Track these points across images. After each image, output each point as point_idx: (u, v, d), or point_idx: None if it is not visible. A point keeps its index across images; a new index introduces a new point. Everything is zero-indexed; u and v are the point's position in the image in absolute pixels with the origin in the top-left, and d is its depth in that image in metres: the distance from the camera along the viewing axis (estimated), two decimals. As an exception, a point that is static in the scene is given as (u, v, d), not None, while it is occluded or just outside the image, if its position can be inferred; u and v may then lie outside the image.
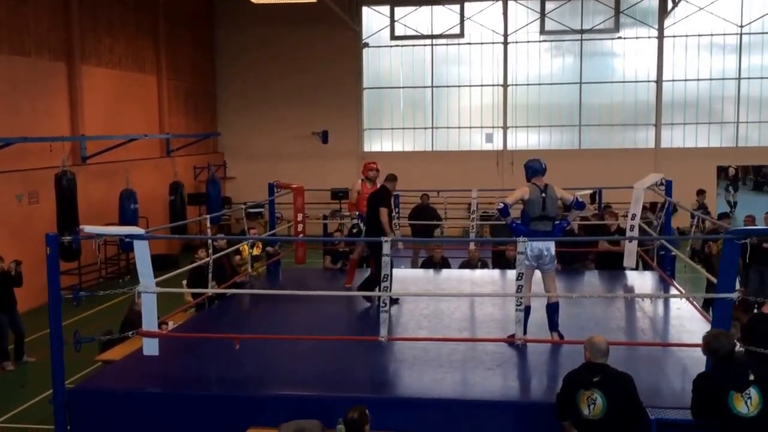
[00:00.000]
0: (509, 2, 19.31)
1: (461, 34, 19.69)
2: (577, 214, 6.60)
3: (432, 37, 19.76)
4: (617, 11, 19.05)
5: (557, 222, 6.25)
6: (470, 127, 19.93)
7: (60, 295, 5.29)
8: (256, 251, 9.34)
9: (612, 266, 9.54)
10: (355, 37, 19.75)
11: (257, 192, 13.63)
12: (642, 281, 9.06)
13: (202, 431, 5.19)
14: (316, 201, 15.39)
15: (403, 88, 20.16)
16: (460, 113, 19.94)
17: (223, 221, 17.91)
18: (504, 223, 6.21)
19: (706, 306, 7.75)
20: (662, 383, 5.24)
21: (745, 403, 4.01)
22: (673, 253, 8.42)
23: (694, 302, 7.36)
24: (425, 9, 19.64)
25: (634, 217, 8.40)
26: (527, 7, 19.37)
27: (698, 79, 19.08)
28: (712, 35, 18.90)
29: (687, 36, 18.94)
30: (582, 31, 19.24)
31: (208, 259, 7.43)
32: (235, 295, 8.20)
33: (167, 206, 16.50)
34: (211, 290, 7.42)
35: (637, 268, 9.42)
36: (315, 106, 19.77)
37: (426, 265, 10.41)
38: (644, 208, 9.55)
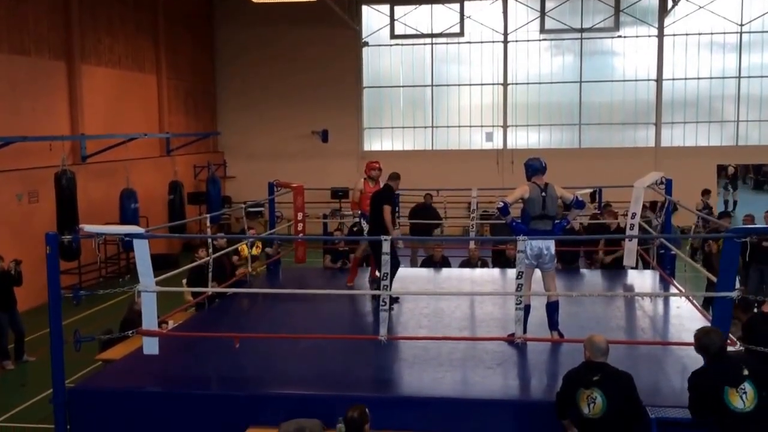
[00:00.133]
0: (509, 1, 19.30)
1: (461, 33, 19.68)
2: (577, 213, 6.60)
3: (432, 35, 19.75)
4: (617, 10, 19.04)
5: (557, 221, 6.25)
6: (470, 126, 19.92)
7: (60, 294, 5.29)
8: (255, 251, 9.33)
9: (612, 265, 9.55)
10: (354, 36, 19.74)
11: (257, 191, 13.63)
12: (642, 280, 9.06)
13: (202, 430, 5.19)
14: (316, 200, 15.40)
15: (403, 87, 20.16)
16: (460, 112, 19.93)
17: (223, 220, 17.91)
18: (504, 222, 6.21)
19: (706, 305, 7.75)
20: (662, 382, 5.25)
21: (741, 398, 4.02)
22: (673, 252, 8.42)
23: (694, 301, 7.36)
24: (425, 8, 19.63)
25: (634, 215, 8.40)
26: (527, 6, 19.36)
27: (698, 78, 19.07)
28: (712, 34, 18.89)
29: (687, 35, 18.93)
30: (582, 30, 19.23)
31: (208, 258, 7.43)
32: (235, 295, 8.20)
33: (167, 205, 16.50)
34: (210, 289, 7.42)
35: (637, 267, 9.42)
36: (315, 105, 19.76)
37: (426, 264, 10.41)
38: (644, 207, 9.55)
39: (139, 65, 16.62)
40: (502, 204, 5.91)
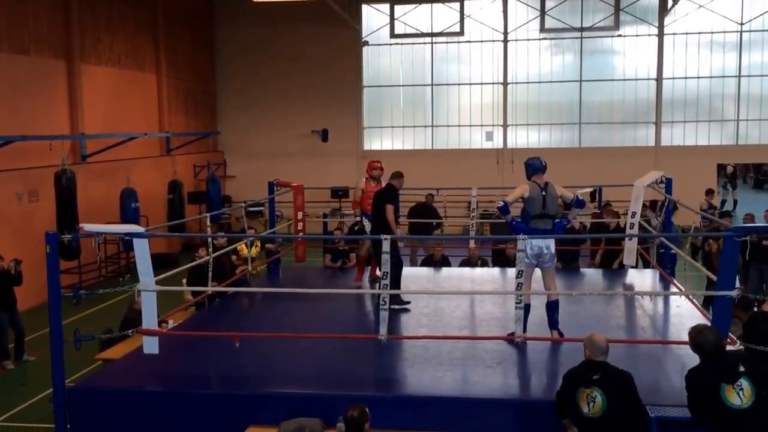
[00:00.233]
0: (509, 0, 19.28)
1: (461, 32, 19.67)
2: (577, 212, 6.60)
3: (432, 35, 19.74)
4: (617, 9, 19.03)
5: (557, 220, 6.25)
6: (470, 126, 19.92)
7: (60, 293, 5.29)
8: (254, 251, 9.33)
9: (611, 264, 9.55)
10: (354, 36, 19.73)
11: (257, 190, 13.63)
12: (642, 279, 9.06)
13: (203, 430, 5.19)
14: (316, 199, 15.38)
15: (403, 86, 20.15)
16: (460, 111, 19.93)
17: (223, 220, 17.91)
18: (504, 221, 6.21)
19: (706, 304, 7.75)
20: (662, 381, 5.25)
21: (738, 394, 4.02)
22: (673, 251, 8.42)
23: (694, 300, 7.36)
24: (425, 7, 19.62)
25: (634, 215, 8.39)
26: (527, 5, 19.35)
27: (698, 77, 19.06)
28: (712, 33, 18.88)
29: (687, 33, 18.92)
30: (582, 29, 19.22)
31: (208, 257, 7.43)
32: (236, 294, 8.20)
33: (167, 205, 16.49)
34: (210, 288, 7.42)
35: (637, 267, 9.42)
36: (315, 104, 19.76)
37: (426, 263, 10.41)
38: (644, 206, 9.55)
39: (139, 64, 16.62)
40: (502, 203, 5.91)
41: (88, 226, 5.62)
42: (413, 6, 19.61)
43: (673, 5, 18.56)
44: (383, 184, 8.08)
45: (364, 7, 19.80)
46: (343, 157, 19.57)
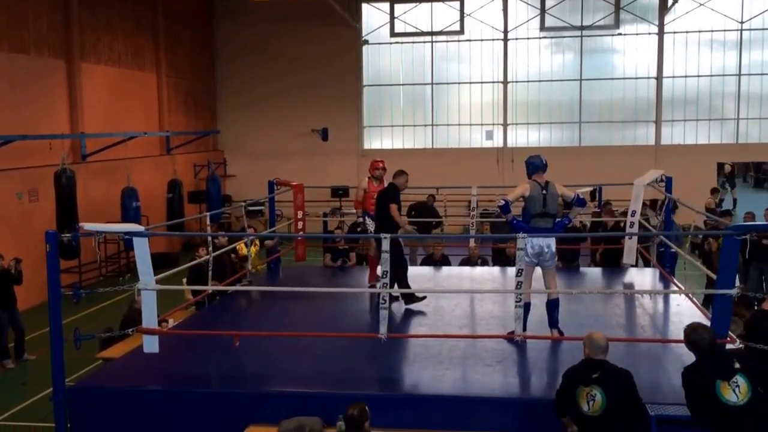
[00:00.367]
0: (509, -1, 19.29)
1: (461, 31, 19.66)
2: (578, 211, 6.59)
3: (432, 33, 19.73)
4: (617, 7, 19.01)
5: (558, 219, 6.25)
6: (470, 125, 19.91)
7: (60, 292, 5.29)
8: (253, 249, 9.34)
9: (611, 263, 9.55)
10: (354, 35, 19.72)
11: (257, 190, 13.62)
12: (642, 278, 9.06)
13: (203, 428, 5.20)
14: (316, 198, 15.39)
15: (403, 85, 20.15)
16: (460, 110, 19.92)
17: (223, 219, 17.91)
18: (504, 220, 6.21)
19: (707, 303, 7.75)
20: (662, 380, 5.25)
21: (734, 391, 4.03)
22: (673, 250, 8.42)
23: (694, 299, 7.36)
24: (425, 6, 19.61)
25: (633, 213, 8.39)
26: (527, 4, 19.34)
27: (698, 76, 19.05)
28: (712, 31, 18.87)
29: (687, 32, 18.91)
30: (582, 28, 19.21)
31: (208, 256, 7.43)
32: (236, 293, 8.20)
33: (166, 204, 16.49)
34: (210, 287, 7.43)
35: (637, 265, 9.42)
36: (315, 103, 19.75)
37: (426, 262, 10.41)
38: (644, 204, 9.55)
39: (139, 63, 16.61)
40: (503, 202, 5.91)
41: (87, 225, 5.62)
42: (413, 5, 19.60)
43: (673, 4, 18.55)
44: (386, 184, 8.08)
45: (364, 6, 19.79)
46: (343, 156, 19.56)
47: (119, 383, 5.55)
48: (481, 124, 19.86)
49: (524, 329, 5.93)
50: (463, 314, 7.32)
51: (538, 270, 6.21)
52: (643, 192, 8.46)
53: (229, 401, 5.19)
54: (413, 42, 19.86)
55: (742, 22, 18.72)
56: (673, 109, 19.26)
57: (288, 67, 19.75)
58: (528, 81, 19.57)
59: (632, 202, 8.47)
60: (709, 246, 9.65)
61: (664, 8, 18.85)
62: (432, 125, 20.08)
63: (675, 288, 8.00)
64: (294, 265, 10.25)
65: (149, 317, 5.38)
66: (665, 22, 18.92)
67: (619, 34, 19.28)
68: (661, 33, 18.97)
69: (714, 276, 5.43)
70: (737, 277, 8.01)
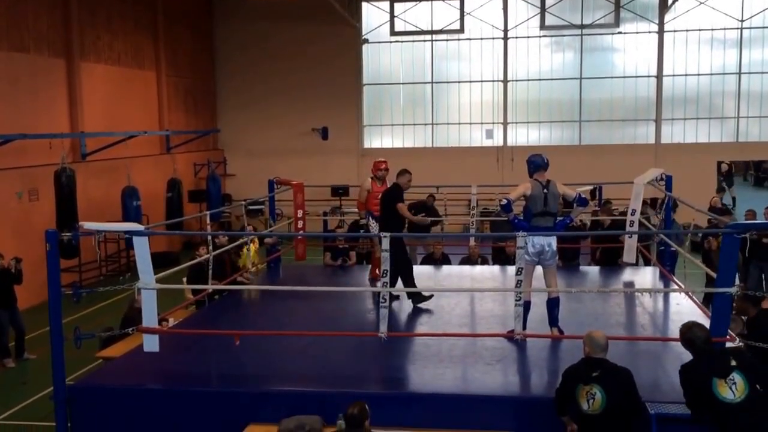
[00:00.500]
0: (509, -3, 19.27)
1: (461, 30, 19.64)
2: (580, 210, 6.59)
3: (432, 32, 19.71)
4: (617, 6, 19.00)
5: (560, 218, 6.25)
6: (470, 123, 19.90)
7: (60, 292, 5.30)
8: (253, 248, 9.34)
9: (609, 261, 9.55)
10: (354, 33, 19.71)
11: (257, 189, 13.62)
12: (642, 277, 9.06)
13: (203, 427, 5.20)
14: (316, 197, 15.39)
15: (403, 84, 20.13)
16: (460, 109, 19.91)
17: (223, 218, 17.90)
18: (504, 219, 6.21)
19: (706, 301, 7.75)
20: (662, 378, 5.25)
21: (730, 389, 4.04)
22: (673, 249, 8.42)
23: (694, 297, 7.36)
24: (425, 4, 19.60)
25: (633, 212, 8.39)
26: (527, 2, 19.32)
27: (699, 74, 19.04)
28: (712, 30, 18.85)
29: (687, 31, 18.89)
30: (582, 26, 19.20)
31: (208, 255, 7.44)
32: (236, 292, 8.21)
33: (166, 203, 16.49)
34: (210, 286, 7.43)
35: (637, 264, 9.41)
36: (315, 102, 19.74)
37: (426, 261, 10.41)
38: (644, 203, 9.55)
39: (139, 62, 16.61)
40: (505, 201, 5.91)
41: (87, 225, 5.62)
42: (413, 3, 19.59)
43: (673, 2, 18.53)
44: (388, 184, 8.07)
45: (364, 5, 19.77)
46: (343, 155, 19.56)
47: (119, 382, 5.55)
48: (481, 123, 19.84)
49: (524, 328, 5.93)
50: (463, 313, 7.33)
51: (539, 269, 6.22)
52: (643, 191, 8.46)
53: (229, 400, 5.20)
54: (413, 41, 19.84)
55: (742, 21, 18.70)
56: (673, 108, 19.24)
57: (288, 66, 19.74)
58: (528, 80, 19.56)
59: (632, 200, 8.47)
60: (709, 244, 9.65)
61: (664, 7, 18.83)
62: (432, 124, 20.07)
63: (675, 286, 8.00)
64: (294, 264, 10.25)
65: (149, 316, 5.38)
66: (665, 20, 18.90)
67: (619, 32, 19.26)
68: (661, 31, 18.96)
69: (714, 274, 5.43)
70: (737, 275, 8.03)
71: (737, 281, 5.51)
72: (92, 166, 14.23)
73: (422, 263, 10.52)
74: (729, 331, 5.34)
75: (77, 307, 10.00)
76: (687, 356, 5.25)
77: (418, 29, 19.75)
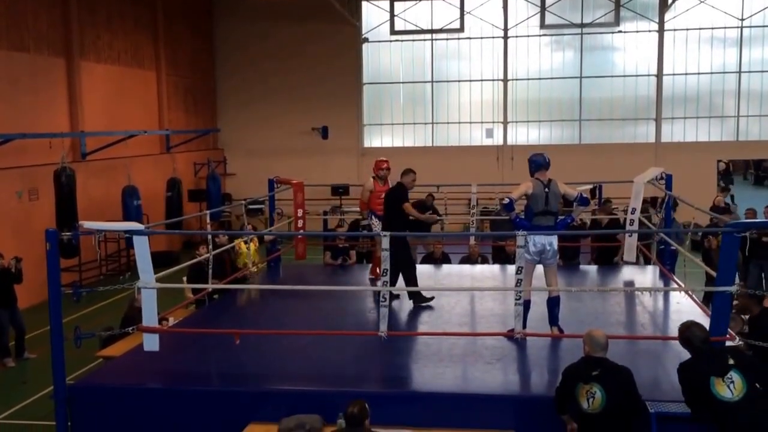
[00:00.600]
0: (509, -4, 19.26)
1: (461, 29, 19.64)
2: (581, 209, 6.59)
3: (432, 31, 19.70)
4: (617, 5, 18.99)
5: (561, 217, 6.26)
6: (470, 123, 19.89)
7: (60, 291, 5.29)
8: (252, 246, 9.34)
9: (606, 261, 9.56)
10: (354, 32, 19.70)
11: (257, 188, 13.62)
12: (642, 275, 9.06)
13: (203, 426, 5.20)
14: (316, 197, 15.38)
15: (403, 83, 20.12)
16: (460, 108, 19.90)
17: (223, 217, 17.90)
18: (504, 218, 6.22)
19: (707, 300, 7.75)
20: (662, 377, 5.25)
21: (728, 387, 4.04)
22: (673, 247, 8.42)
23: (694, 296, 7.36)
24: (425, 3, 19.59)
25: (634, 211, 8.39)
26: (527, 1, 19.31)
27: (699, 73, 19.03)
28: (712, 29, 18.84)
29: (687, 29, 18.88)
30: (582, 25, 19.19)
31: (208, 255, 7.44)
32: (236, 291, 8.21)
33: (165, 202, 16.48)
34: (211, 285, 7.43)
35: (637, 263, 9.41)
36: (315, 101, 19.74)
37: (426, 260, 10.41)
38: (645, 201, 9.54)
39: (139, 62, 16.60)
40: (507, 200, 5.93)
41: (87, 224, 5.62)
42: (413, 2, 19.58)
43: (673, 1, 18.52)
44: (390, 184, 8.05)
45: (364, 4, 19.76)
46: (344, 154, 19.56)
47: (120, 381, 5.55)
48: (481, 122, 19.84)
49: (524, 327, 5.94)
50: (464, 312, 7.33)
51: (539, 268, 6.22)
52: (643, 190, 8.46)
53: (229, 399, 5.20)
54: (413, 40, 19.83)
55: (742, 20, 18.69)
56: (674, 107, 19.24)
57: (288, 65, 19.74)
58: (528, 79, 19.55)
59: (632, 199, 8.47)
60: (709, 243, 9.65)
61: (664, 5, 18.82)
62: (432, 123, 20.07)
63: (675, 285, 8.00)
64: (294, 264, 10.26)
65: (149, 315, 5.38)
66: (665, 19, 18.90)
67: (620, 31, 19.26)
68: (661, 30, 18.95)
69: (714, 273, 5.43)
70: (737, 274, 8.02)
71: (737, 280, 5.51)
72: (92, 165, 14.23)
73: (422, 262, 10.51)
74: (729, 329, 5.34)
75: (77, 307, 10.01)
76: (687, 355, 5.26)
77: (418, 28, 19.74)
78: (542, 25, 19.41)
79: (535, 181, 6.09)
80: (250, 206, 11.76)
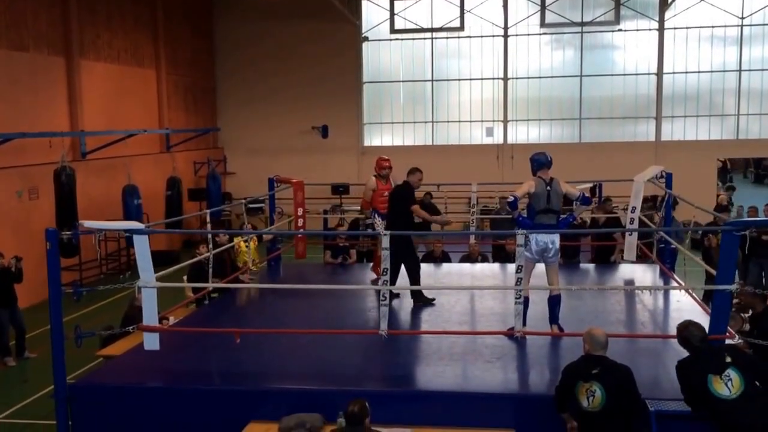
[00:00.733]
0: (509, -5, 19.25)
1: (461, 28, 19.62)
2: (583, 209, 6.59)
3: (432, 30, 19.70)
4: (618, 3, 18.98)
5: (563, 216, 6.26)
6: (470, 121, 19.89)
7: (60, 290, 5.30)
8: (252, 245, 9.34)
9: (604, 259, 9.56)
10: (354, 31, 19.69)
11: (257, 187, 13.63)
12: (642, 274, 9.06)
13: (204, 425, 5.20)
14: (317, 196, 15.39)
15: (403, 82, 20.12)
16: (460, 107, 19.90)
17: (223, 216, 17.89)
18: (504, 217, 6.23)
19: (707, 299, 7.75)
20: (662, 375, 5.25)
21: (726, 385, 4.06)
22: (672, 246, 8.42)
23: (694, 294, 7.37)
24: (425, 2, 19.58)
25: (634, 210, 8.39)
26: (527, 0, 19.30)
27: (699, 72, 19.02)
28: (712, 27, 18.83)
29: (688, 28, 18.87)
30: (582, 24, 19.18)
31: (208, 254, 7.44)
32: (236, 290, 8.21)
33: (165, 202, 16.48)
34: (211, 285, 7.44)
35: (637, 261, 9.41)
36: (315, 100, 19.73)
37: (426, 259, 10.41)
38: (647, 200, 9.54)
39: (138, 60, 16.60)
40: (512, 198, 5.94)
41: (87, 223, 5.62)
42: (413, 1, 19.57)
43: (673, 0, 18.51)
44: (392, 182, 8.03)
45: (364, 3, 19.75)
46: (344, 153, 19.55)
47: (120, 380, 5.56)
48: (482, 121, 19.83)
49: (524, 325, 5.94)
50: (464, 311, 7.33)
51: (538, 267, 6.22)
52: (643, 188, 8.46)
53: (229, 398, 5.20)
54: (413, 38, 19.82)
55: (742, 18, 18.68)
56: (674, 105, 19.23)
57: (288, 64, 19.73)
58: (528, 77, 19.54)
59: (632, 198, 8.47)
60: (709, 242, 9.65)
61: (664, 4, 18.81)
62: (432, 122, 20.07)
63: (675, 284, 8.00)
64: (294, 263, 10.26)
65: (150, 315, 5.39)
66: (665, 18, 18.88)
67: (620, 30, 19.25)
68: (661, 29, 18.94)
69: (714, 272, 5.43)
70: (737, 272, 8.03)
71: (737, 278, 5.52)
72: (92, 164, 14.23)
73: (422, 261, 10.48)
74: (729, 328, 5.34)
75: (77, 306, 10.00)
76: (686, 353, 5.25)
77: (418, 27, 19.73)
78: (542, 24, 19.40)
79: (538, 179, 6.10)
80: (250, 205, 11.74)
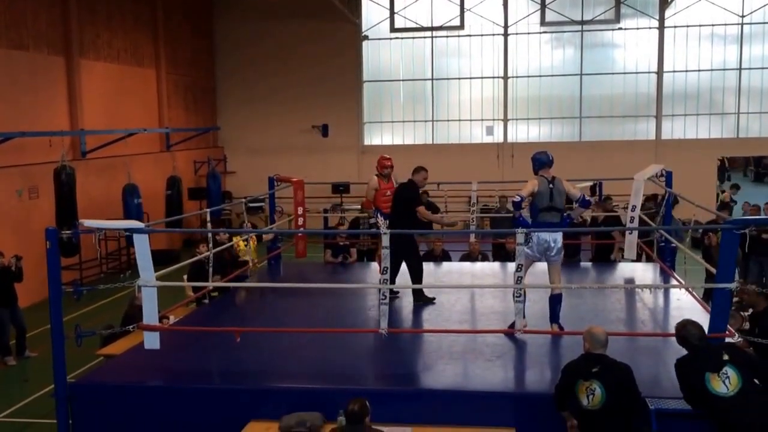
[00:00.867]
0: (509, -6, 19.23)
1: (461, 26, 19.61)
2: (581, 211, 6.60)
3: (432, 29, 19.68)
4: (618, 2, 18.97)
5: (565, 214, 6.27)
6: (470, 120, 19.88)
7: (61, 289, 5.30)
8: (252, 244, 9.34)
9: (603, 258, 9.55)
10: (354, 30, 19.68)
11: (258, 186, 13.63)
12: (642, 272, 9.07)
13: (204, 424, 5.21)
14: (317, 195, 15.39)
15: (403, 80, 20.11)
16: (460, 106, 19.89)
17: (223, 215, 17.90)
18: (504, 215, 6.24)
19: (707, 297, 7.75)
20: (662, 374, 5.25)
21: (723, 383, 4.07)
22: (673, 245, 8.42)
23: (694, 293, 7.37)
24: (425, 1, 19.57)
25: (634, 208, 8.39)
26: (527, -1, 19.30)
27: (699, 70, 19.01)
28: (713, 25, 18.82)
29: (688, 26, 18.86)
30: (582, 22, 19.17)
31: (208, 253, 7.44)
32: (236, 289, 8.21)
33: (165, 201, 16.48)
34: (211, 284, 7.44)
35: (637, 260, 9.42)
36: (315, 99, 19.73)
37: (426, 258, 10.40)
38: (648, 198, 9.53)
39: (138, 60, 16.59)
40: (518, 198, 5.97)
41: (87, 222, 5.62)
42: (413, 0, 19.55)
43: (673, -2, 18.51)
44: (394, 181, 8.02)
45: (364, 2, 19.73)
46: (344, 152, 19.55)
47: (120, 380, 5.56)
48: (482, 120, 19.83)
49: (524, 317, 5.92)
50: (464, 309, 7.34)
51: (539, 265, 6.22)
52: (643, 187, 8.45)
53: (230, 397, 5.21)
54: (413, 37, 19.81)
55: (742, 17, 18.66)
56: (674, 104, 19.22)
57: (288, 63, 19.72)
58: (528, 76, 19.53)
59: (632, 197, 8.46)
60: (709, 240, 9.65)
61: (664, 2, 18.80)
62: (432, 121, 20.06)
63: (675, 282, 8.00)
64: (294, 262, 10.26)
65: (150, 314, 5.39)
66: (666, 16, 18.87)
67: (620, 28, 19.24)
68: (661, 27, 18.93)
69: (714, 270, 5.43)
70: (737, 271, 8.02)
71: (737, 277, 5.52)
72: (92, 163, 14.23)
73: (423, 260, 10.51)
74: (728, 326, 5.34)
75: (78, 305, 10.01)
76: (686, 352, 5.25)
77: (418, 26, 19.72)
78: (542, 23, 19.39)
79: (540, 178, 6.12)
80: (251, 204, 11.74)
